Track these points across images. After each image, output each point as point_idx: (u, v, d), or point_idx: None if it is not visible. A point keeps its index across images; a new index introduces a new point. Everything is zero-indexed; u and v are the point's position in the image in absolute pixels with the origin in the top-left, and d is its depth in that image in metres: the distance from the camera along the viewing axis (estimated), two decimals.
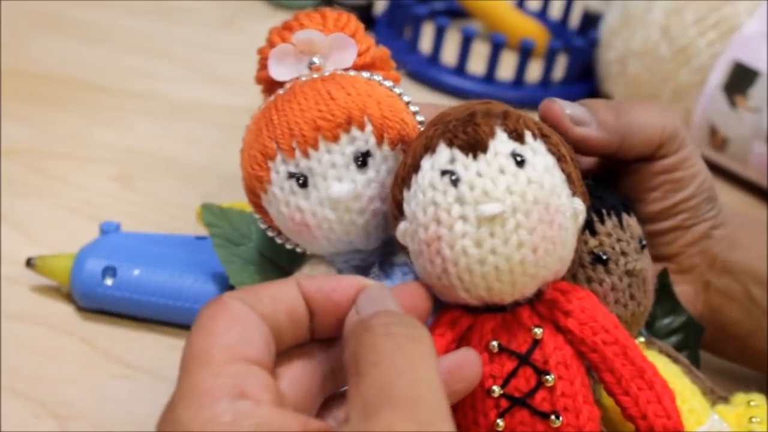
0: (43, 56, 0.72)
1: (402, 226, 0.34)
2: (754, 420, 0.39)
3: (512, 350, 0.33)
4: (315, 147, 0.37)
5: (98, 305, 0.47)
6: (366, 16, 0.86)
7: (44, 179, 0.57)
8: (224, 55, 0.78)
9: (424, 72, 0.78)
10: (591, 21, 0.83)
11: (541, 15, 0.91)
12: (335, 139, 0.37)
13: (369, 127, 0.37)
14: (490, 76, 0.76)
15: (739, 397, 0.41)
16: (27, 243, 0.51)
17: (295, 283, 0.31)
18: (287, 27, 0.42)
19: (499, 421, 0.33)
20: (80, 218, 0.54)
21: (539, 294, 0.34)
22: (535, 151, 0.33)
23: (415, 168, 0.34)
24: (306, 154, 0.37)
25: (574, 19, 0.88)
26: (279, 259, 0.43)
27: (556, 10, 0.91)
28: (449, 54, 0.78)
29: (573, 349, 0.34)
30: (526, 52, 0.75)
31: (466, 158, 0.33)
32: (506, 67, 0.77)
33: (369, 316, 0.29)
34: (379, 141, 0.37)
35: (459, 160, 0.33)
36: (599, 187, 0.39)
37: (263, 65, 0.42)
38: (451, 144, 0.33)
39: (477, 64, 0.77)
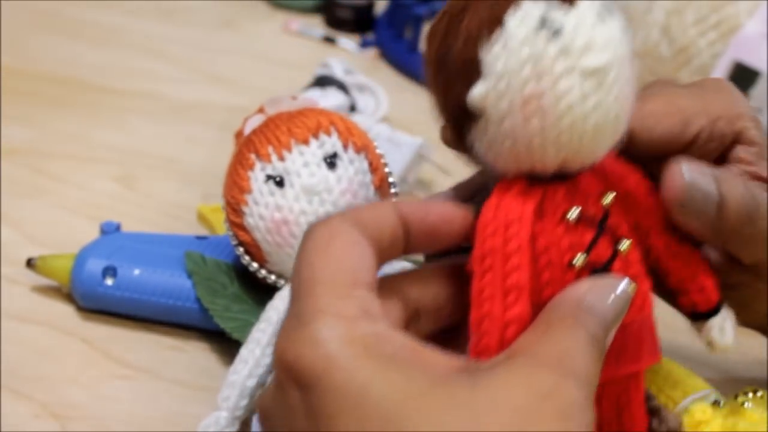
0: (43, 56, 0.72)
1: (481, 88, 0.30)
2: (746, 405, 0.39)
3: (589, 218, 0.31)
4: (289, 149, 0.42)
5: (98, 305, 0.47)
6: (366, 16, 0.86)
7: (44, 179, 0.57)
8: (224, 55, 0.78)
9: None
10: None
11: None
12: (306, 142, 0.42)
13: (335, 134, 0.42)
14: None
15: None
16: (27, 243, 0.51)
17: (393, 206, 0.30)
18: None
19: None
20: (80, 218, 0.54)
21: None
22: (611, 8, 0.31)
23: (495, 22, 0.30)
24: (281, 157, 0.42)
25: None
26: (256, 300, 0.44)
27: None
28: None
29: (630, 217, 0.33)
30: None
31: (562, 8, 0.30)
32: None
33: (588, 314, 0.28)
34: (345, 145, 0.42)
35: (555, 10, 0.30)
36: None
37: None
38: None
39: None
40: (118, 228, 0.49)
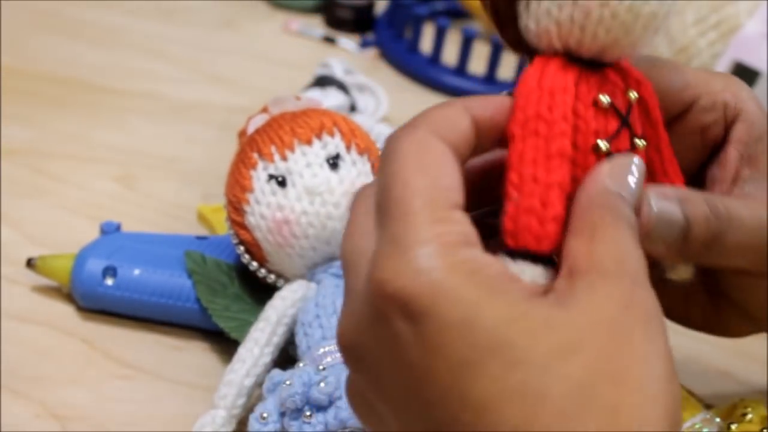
0: (43, 56, 0.72)
1: None
2: (746, 417, 0.39)
3: (618, 109, 0.31)
4: (291, 149, 0.42)
5: (98, 305, 0.47)
6: (366, 16, 0.86)
7: (44, 179, 0.57)
8: (224, 55, 0.78)
9: (425, 72, 0.78)
10: None
11: None
12: (309, 142, 0.42)
13: (338, 135, 0.42)
14: (490, 77, 0.76)
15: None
16: (27, 243, 0.51)
17: (464, 109, 0.30)
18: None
19: None
20: (80, 218, 0.54)
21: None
22: None
23: None
24: (284, 157, 0.42)
25: None
26: (255, 300, 0.45)
27: None
28: (450, 54, 0.78)
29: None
30: None
31: None
32: (507, 68, 0.77)
33: (613, 197, 0.29)
34: (348, 146, 0.42)
35: None
36: None
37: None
38: None
39: (478, 65, 0.77)
40: (118, 228, 0.49)
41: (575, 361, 0.25)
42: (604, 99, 0.31)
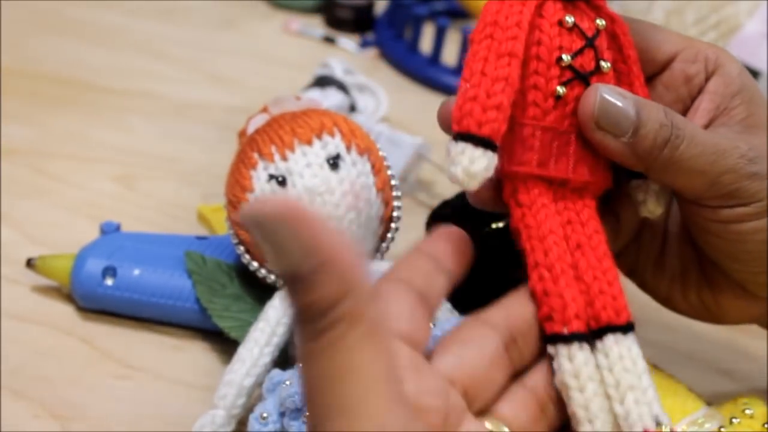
0: (43, 56, 0.72)
1: None
2: (747, 411, 0.39)
3: (583, 30, 0.35)
4: (292, 149, 0.42)
5: (98, 305, 0.47)
6: (366, 16, 0.86)
7: (44, 179, 0.57)
8: (224, 55, 0.78)
9: (425, 72, 0.78)
10: None
11: None
12: (309, 142, 0.42)
13: (339, 135, 0.42)
14: None
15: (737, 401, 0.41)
16: (27, 243, 0.51)
17: (418, 251, 0.32)
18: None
19: (559, 88, 0.34)
20: (80, 218, 0.54)
21: None
22: None
23: None
24: (284, 157, 0.42)
25: None
26: (255, 300, 0.44)
27: None
28: (450, 54, 0.78)
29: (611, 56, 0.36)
30: None
31: None
32: None
33: None
34: (348, 147, 0.42)
35: None
36: None
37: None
38: None
39: None
40: (118, 228, 0.49)
41: None
42: (569, 19, 0.34)
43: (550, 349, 0.32)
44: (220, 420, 0.39)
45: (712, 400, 0.41)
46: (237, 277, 0.45)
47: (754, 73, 0.64)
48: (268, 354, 0.41)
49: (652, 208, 0.38)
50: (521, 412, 0.31)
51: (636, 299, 0.44)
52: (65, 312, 0.47)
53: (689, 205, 0.38)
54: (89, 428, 0.41)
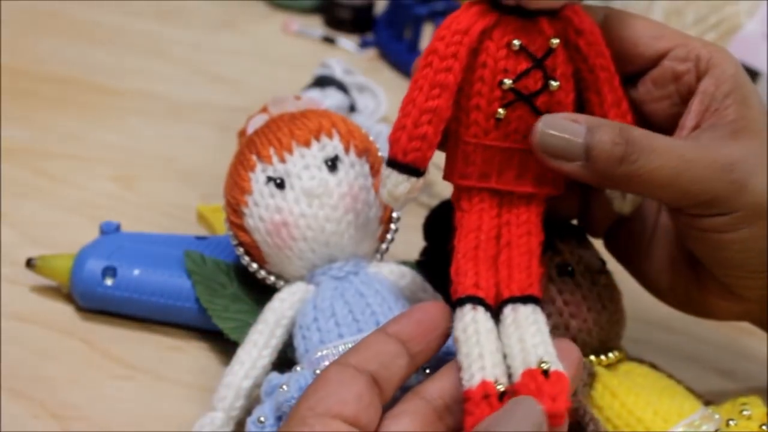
0: (43, 56, 0.72)
1: None
2: (744, 413, 0.39)
3: (530, 52, 0.35)
4: (290, 151, 0.41)
5: (98, 305, 0.47)
6: (366, 16, 0.86)
7: (44, 179, 0.57)
8: (224, 55, 0.78)
9: None
10: None
11: None
12: (307, 144, 0.42)
13: (337, 136, 0.42)
14: None
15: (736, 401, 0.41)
16: (27, 243, 0.51)
17: (383, 332, 0.34)
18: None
19: (500, 110, 0.36)
20: (80, 218, 0.54)
21: (557, 10, 0.36)
22: None
23: None
24: (282, 159, 0.41)
25: None
26: (254, 301, 0.45)
27: None
28: None
29: (573, 68, 0.36)
30: None
31: None
32: None
33: None
34: (346, 148, 0.42)
35: None
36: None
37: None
38: None
39: None
40: (117, 228, 0.49)
41: None
42: (516, 42, 0.35)
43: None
44: (219, 422, 0.39)
45: (712, 401, 0.41)
46: (236, 277, 0.45)
47: (754, 74, 0.64)
48: (266, 356, 0.41)
49: (619, 207, 0.39)
50: None
51: (637, 299, 0.44)
52: (65, 312, 0.47)
53: (671, 211, 0.39)
54: (89, 428, 0.41)
